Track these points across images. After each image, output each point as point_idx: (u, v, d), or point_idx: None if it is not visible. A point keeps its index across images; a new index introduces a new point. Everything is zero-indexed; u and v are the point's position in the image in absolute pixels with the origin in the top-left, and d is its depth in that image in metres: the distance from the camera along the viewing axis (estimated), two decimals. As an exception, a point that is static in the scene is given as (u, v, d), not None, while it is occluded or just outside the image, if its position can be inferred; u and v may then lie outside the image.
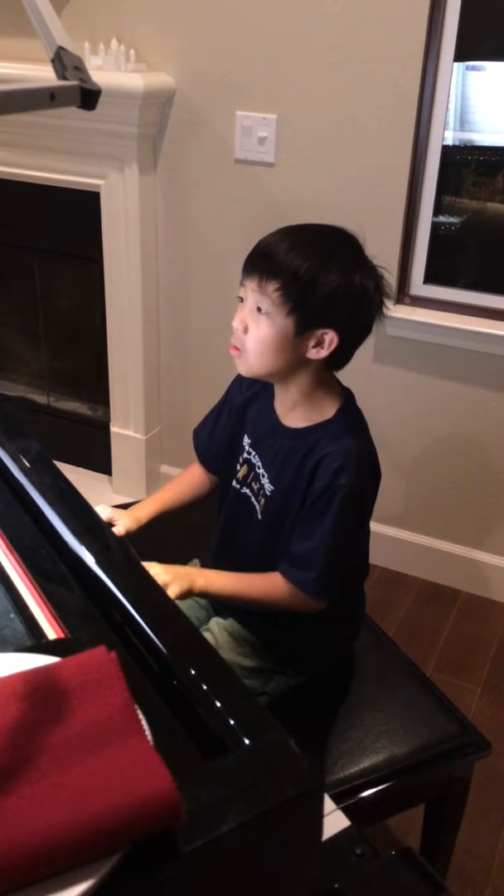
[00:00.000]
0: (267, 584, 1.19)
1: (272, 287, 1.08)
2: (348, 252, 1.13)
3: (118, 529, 1.23)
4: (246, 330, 1.12)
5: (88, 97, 0.58)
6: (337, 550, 1.15)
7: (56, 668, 0.66)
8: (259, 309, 1.10)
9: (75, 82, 0.57)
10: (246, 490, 1.27)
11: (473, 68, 1.91)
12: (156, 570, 1.11)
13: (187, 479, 1.41)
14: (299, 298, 1.08)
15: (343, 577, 1.21)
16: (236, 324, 1.14)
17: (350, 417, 1.19)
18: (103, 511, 1.23)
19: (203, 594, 1.19)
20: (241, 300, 1.14)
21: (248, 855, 0.58)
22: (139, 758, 0.58)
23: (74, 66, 0.59)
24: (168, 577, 1.12)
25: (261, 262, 1.10)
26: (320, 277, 1.07)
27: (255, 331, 1.12)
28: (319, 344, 1.11)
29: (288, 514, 1.20)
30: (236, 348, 1.15)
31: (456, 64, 1.87)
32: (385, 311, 1.16)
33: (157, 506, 1.34)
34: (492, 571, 2.27)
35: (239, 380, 1.32)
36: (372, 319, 1.15)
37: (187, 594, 1.14)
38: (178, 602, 1.38)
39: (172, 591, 1.10)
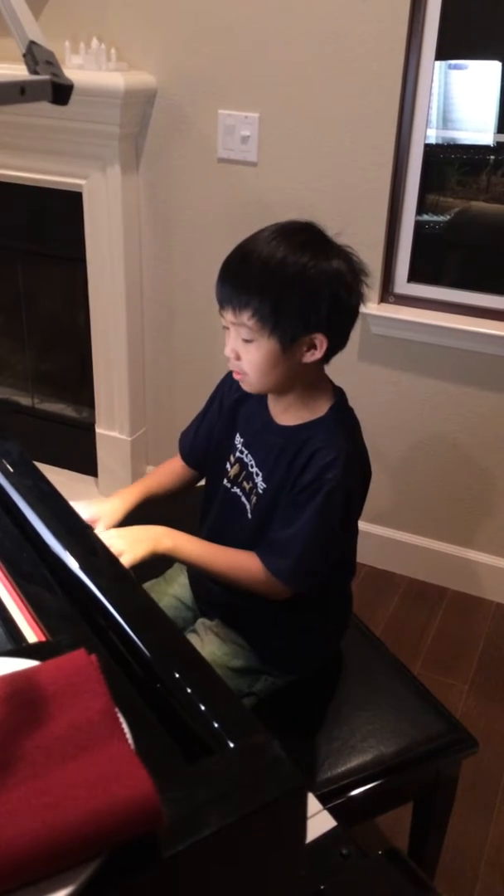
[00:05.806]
0: (239, 560, 1.19)
1: (246, 316, 1.09)
2: (307, 248, 1.09)
3: (99, 529, 1.22)
4: (238, 357, 1.14)
5: (60, 92, 0.57)
6: (314, 542, 1.15)
7: (36, 671, 0.65)
8: (244, 338, 1.12)
9: (46, 77, 0.56)
10: (236, 489, 1.27)
11: (456, 67, 1.91)
12: (111, 539, 1.11)
13: (170, 469, 1.41)
14: (275, 319, 1.08)
15: (319, 572, 1.19)
16: (228, 352, 1.15)
17: (342, 415, 1.19)
18: (84, 510, 1.21)
19: (168, 555, 1.18)
20: (226, 328, 1.15)
21: (232, 858, 0.57)
22: (119, 762, 0.57)
23: (46, 60, 0.58)
24: (121, 543, 1.11)
25: (227, 296, 1.11)
26: (286, 294, 1.07)
27: (246, 356, 1.13)
28: (312, 347, 1.12)
29: (277, 510, 1.20)
30: (238, 373, 1.17)
31: (438, 62, 1.87)
32: (367, 287, 1.14)
33: (142, 492, 1.33)
34: (478, 569, 2.27)
35: (228, 378, 1.32)
36: (355, 302, 1.13)
37: (148, 557, 1.14)
38: (163, 604, 1.38)
39: (126, 559, 1.10)
